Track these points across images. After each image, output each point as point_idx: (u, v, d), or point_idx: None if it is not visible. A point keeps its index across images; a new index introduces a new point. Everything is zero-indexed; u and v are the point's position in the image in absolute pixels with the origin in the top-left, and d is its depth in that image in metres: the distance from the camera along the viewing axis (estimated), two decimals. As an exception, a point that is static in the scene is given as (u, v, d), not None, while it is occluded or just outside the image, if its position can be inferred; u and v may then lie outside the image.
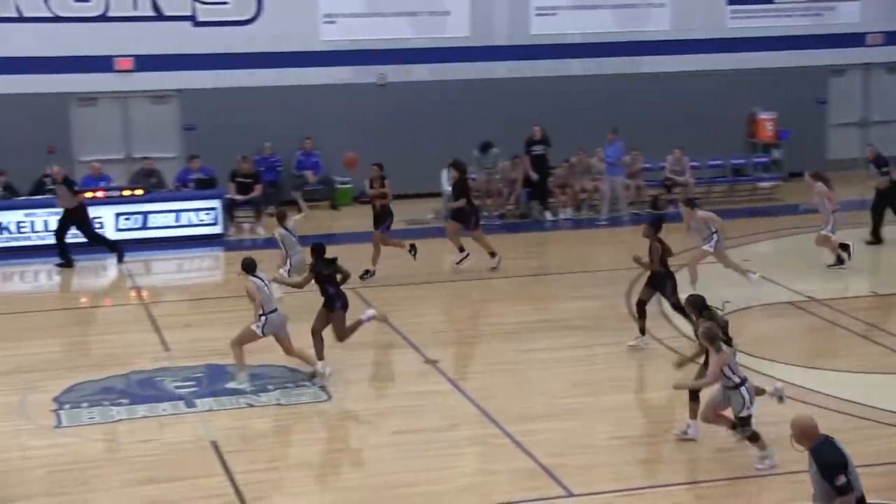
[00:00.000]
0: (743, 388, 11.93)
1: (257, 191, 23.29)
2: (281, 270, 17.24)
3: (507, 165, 24.19)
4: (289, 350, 14.59)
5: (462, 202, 19.78)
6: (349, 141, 24.78)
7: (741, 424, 12.01)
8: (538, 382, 15.18)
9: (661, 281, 15.66)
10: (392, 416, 13.95)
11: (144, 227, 21.95)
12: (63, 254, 20.53)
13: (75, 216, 20.60)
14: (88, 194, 21.83)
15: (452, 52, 25.70)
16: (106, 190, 22.03)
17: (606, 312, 17.59)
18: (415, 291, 18.72)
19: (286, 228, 17.57)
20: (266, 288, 14.42)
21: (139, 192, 22.26)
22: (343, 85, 25.27)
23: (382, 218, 19.35)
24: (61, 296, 19.70)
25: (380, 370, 15.60)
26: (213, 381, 14.83)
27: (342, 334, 15.08)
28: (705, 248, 17.97)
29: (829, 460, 8.89)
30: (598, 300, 18.21)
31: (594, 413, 13.78)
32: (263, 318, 14.23)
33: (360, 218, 23.79)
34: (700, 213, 18.12)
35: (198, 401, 14.20)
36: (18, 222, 21.68)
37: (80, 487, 11.97)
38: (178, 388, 14.67)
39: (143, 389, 14.67)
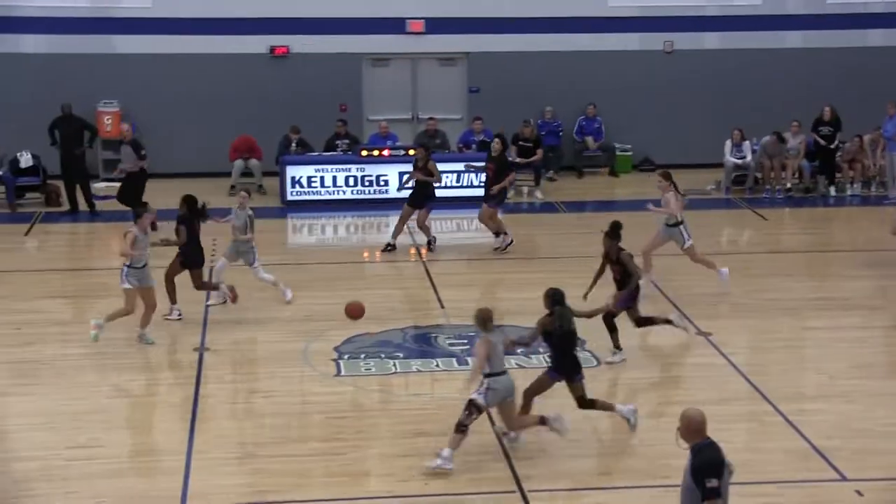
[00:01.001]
0: (486, 380, 11.42)
1: (538, 155, 23.34)
2: None
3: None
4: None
5: (509, 179, 19.15)
6: (632, 108, 24.54)
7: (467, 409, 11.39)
8: (814, 361, 14.66)
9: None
10: (660, 388, 13.76)
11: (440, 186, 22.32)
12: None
13: (134, 180, 20.23)
14: (375, 153, 22.44)
15: (742, 20, 24.97)
16: (391, 149, 22.57)
17: (891, 294, 16.79)
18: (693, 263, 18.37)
19: None
20: None
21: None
22: (629, 52, 24.97)
23: (425, 197, 18.98)
24: (346, 250, 20.35)
25: (650, 339, 15.40)
26: (485, 341, 15.00)
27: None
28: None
29: (706, 460, 8.30)
30: (882, 280, 17.40)
31: (872, 397, 13.20)
32: None
33: (638, 186, 23.56)
34: None
35: (469, 359, 14.40)
36: (310, 177, 22.51)
37: (355, 435, 12.35)
38: (451, 345, 14.92)
39: (418, 345, 15.00)
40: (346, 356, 14.55)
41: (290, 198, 22.35)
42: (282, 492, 11.14)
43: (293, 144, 23.08)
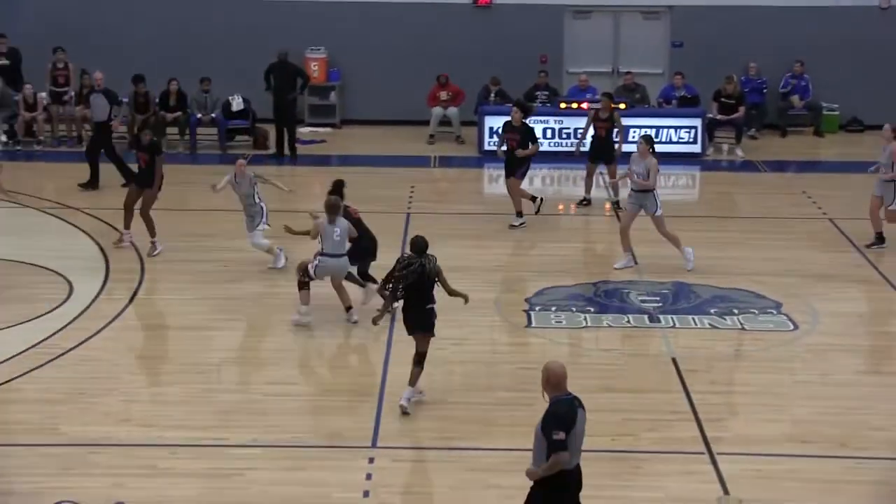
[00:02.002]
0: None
1: (740, 112, 22.69)
2: None
3: None
4: None
5: (533, 150, 17.57)
6: (842, 66, 23.61)
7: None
8: None
9: None
10: (861, 355, 13.26)
11: (626, 142, 21.94)
12: (94, 172, 19.53)
13: (104, 133, 19.41)
14: (574, 105, 22.17)
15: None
16: (590, 102, 22.26)
17: None
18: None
19: None
20: None
21: (622, 106, 22.28)
22: (841, 7, 23.97)
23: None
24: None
25: (853, 306, 14.82)
26: (677, 299, 14.72)
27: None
28: None
29: (554, 413, 8.23)
30: None
31: None
32: None
33: (845, 146, 22.71)
34: None
35: (661, 317, 14.16)
36: (507, 128, 22.41)
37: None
38: (643, 301, 14.69)
39: (610, 300, 14.81)
40: (537, 308, 14.48)
41: (487, 147, 22.31)
42: (468, 439, 11.19)
43: (492, 95, 23.01)
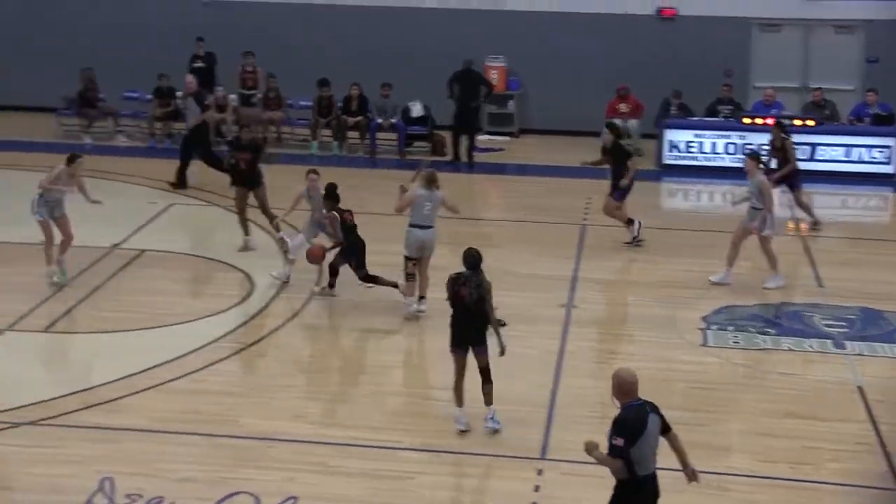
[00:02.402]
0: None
1: (935, 133, 21.92)
2: None
3: None
4: None
5: (632, 174, 17.08)
6: None
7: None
8: None
9: None
10: None
11: (812, 159, 21.47)
12: (181, 173, 19.85)
13: (198, 134, 20.06)
14: (758, 121, 21.76)
15: None
16: (776, 118, 21.82)
17: None
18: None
19: None
20: None
21: (810, 122, 21.79)
22: None
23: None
24: (721, 218, 19.88)
25: None
26: (866, 326, 14.29)
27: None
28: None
29: (621, 419, 8.25)
30: None
31: None
32: None
33: None
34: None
35: (847, 343, 13.77)
36: (688, 142, 22.15)
37: (716, 407, 12.11)
38: (827, 326, 14.32)
39: (791, 322, 14.49)
40: (713, 326, 14.26)
41: (666, 161, 22.08)
42: (640, 456, 11.05)
43: (673, 108, 22.76)
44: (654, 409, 8.48)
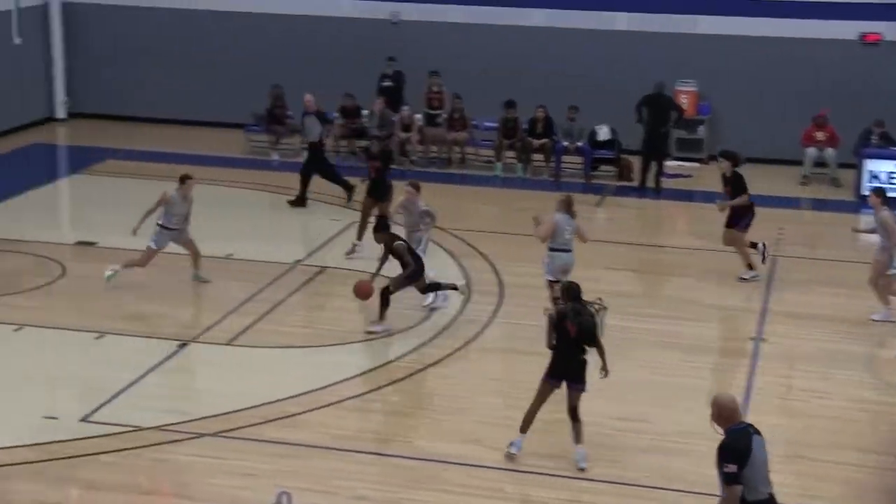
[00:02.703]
0: None
1: None
2: None
3: None
4: None
5: (744, 198, 16.56)
6: None
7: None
8: None
9: None
10: None
11: None
12: (302, 190, 19.98)
13: (316, 153, 20.18)
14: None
15: None
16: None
17: None
18: None
19: None
20: None
21: None
22: None
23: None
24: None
25: None
26: None
27: None
28: None
29: (728, 445, 8.19)
30: None
31: None
32: None
33: None
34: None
35: None
36: (890, 172, 21.49)
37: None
38: None
39: None
40: (912, 367, 13.76)
41: (865, 192, 21.40)
42: (829, 498, 10.75)
43: (874, 137, 22.08)
44: (757, 431, 8.39)
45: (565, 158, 22.87)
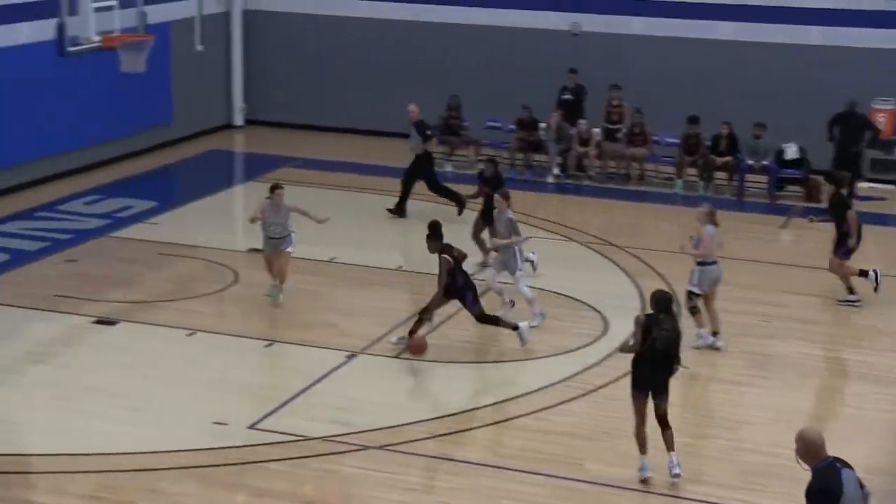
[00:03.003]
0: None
1: None
2: None
3: None
4: None
5: (852, 226, 16.19)
6: None
7: None
8: None
9: None
10: None
11: None
12: (401, 201, 20.17)
13: (420, 164, 20.17)
14: None
15: None
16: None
17: None
18: None
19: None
20: None
21: None
22: None
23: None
24: None
25: None
26: None
27: None
28: None
29: (817, 486, 7.78)
30: None
31: None
32: None
33: None
34: None
35: None
36: None
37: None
38: None
39: None
40: None
41: None
42: None
43: None
44: (846, 464, 8.00)
45: (749, 177, 22.48)
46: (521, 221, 19.70)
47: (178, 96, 24.93)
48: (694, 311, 14.62)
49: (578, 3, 24.91)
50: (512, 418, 12.75)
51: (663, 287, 16.58)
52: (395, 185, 20.71)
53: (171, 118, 24.84)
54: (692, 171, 22.76)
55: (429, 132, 20.61)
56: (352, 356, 14.34)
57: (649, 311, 11.51)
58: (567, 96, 23.79)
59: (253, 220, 16.00)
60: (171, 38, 24.20)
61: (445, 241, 14.48)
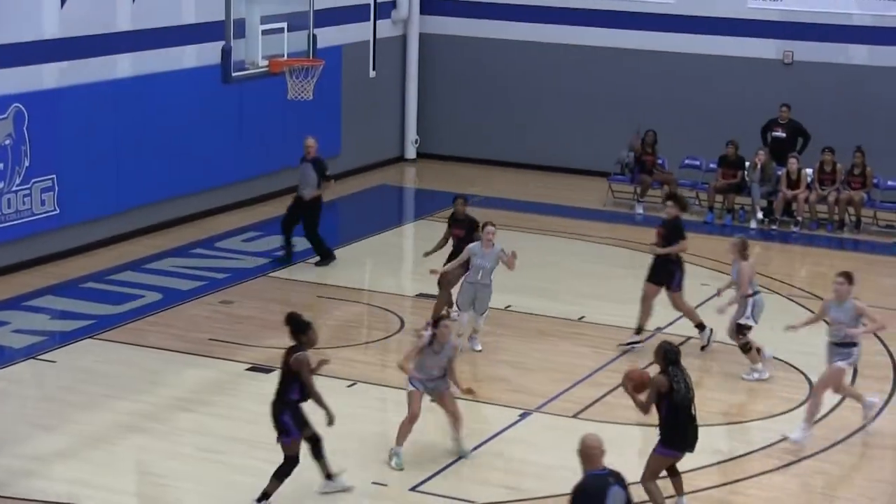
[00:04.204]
0: None
1: None
2: None
3: None
4: None
5: (680, 247, 16.52)
6: None
7: None
8: None
9: None
10: None
11: None
12: (319, 248, 19.73)
13: (310, 207, 19.42)
14: None
15: None
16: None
17: None
18: None
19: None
20: None
21: None
22: None
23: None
24: None
25: None
26: None
27: None
28: None
29: (577, 488, 8.42)
30: None
31: None
32: None
33: None
34: None
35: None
36: None
37: None
38: None
39: None
40: None
41: None
42: None
43: None
44: (619, 480, 8.62)
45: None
46: (716, 271, 19.50)
47: (346, 126, 25.36)
48: (747, 347, 15.34)
49: (789, 30, 24.54)
50: (699, 490, 12.55)
51: (878, 348, 16.26)
52: (581, 226, 20.71)
53: (339, 149, 25.23)
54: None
55: (328, 173, 19.93)
56: (525, 414, 14.32)
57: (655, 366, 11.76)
58: (777, 133, 23.45)
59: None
60: (342, 63, 24.64)
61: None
